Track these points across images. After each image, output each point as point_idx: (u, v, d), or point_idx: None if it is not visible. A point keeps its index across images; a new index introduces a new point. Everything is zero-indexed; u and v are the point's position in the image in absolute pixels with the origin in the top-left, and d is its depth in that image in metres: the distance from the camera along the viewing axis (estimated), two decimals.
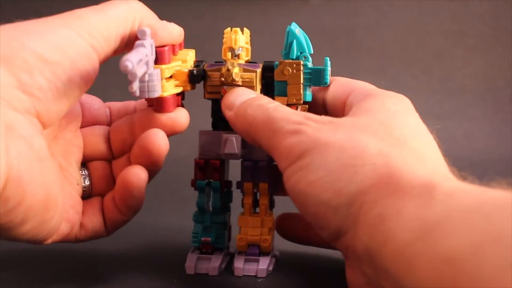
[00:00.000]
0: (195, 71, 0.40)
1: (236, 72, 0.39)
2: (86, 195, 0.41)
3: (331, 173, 0.32)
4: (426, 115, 0.38)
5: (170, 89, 0.39)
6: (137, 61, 0.33)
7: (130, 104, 0.43)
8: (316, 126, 0.35)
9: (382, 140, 0.33)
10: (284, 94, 0.40)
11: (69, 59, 0.33)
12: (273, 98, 0.40)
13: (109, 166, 0.42)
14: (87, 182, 0.41)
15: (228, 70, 0.39)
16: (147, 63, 0.36)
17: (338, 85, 0.40)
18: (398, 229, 0.28)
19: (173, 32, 0.39)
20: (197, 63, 0.41)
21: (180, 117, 0.40)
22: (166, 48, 0.38)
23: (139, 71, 0.34)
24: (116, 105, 0.43)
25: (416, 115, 0.37)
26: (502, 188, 0.28)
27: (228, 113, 0.39)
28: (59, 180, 0.35)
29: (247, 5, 0.79)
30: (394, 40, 0.82)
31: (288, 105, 0.40)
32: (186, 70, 0.40)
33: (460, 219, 0.26)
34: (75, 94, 0.34)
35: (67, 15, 0.34)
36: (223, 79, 0.40)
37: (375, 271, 0.30)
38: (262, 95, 0.40)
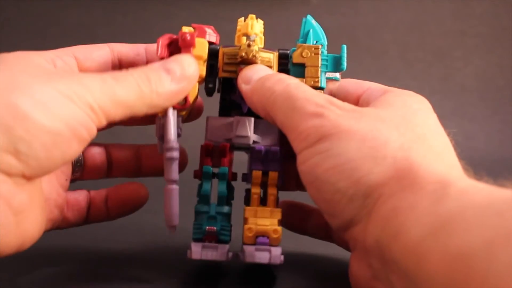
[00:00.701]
0: (210, 91, 0.40)
1: (256, 49, 0.39)
2: (76, 177, 0.41)
3: (351, 161, 0.32)
4: None
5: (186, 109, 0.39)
6: (177, 218, 0.36)
7: (139, 49, 0.42)
8: (339, 112, 0.34)
9: (403, 135, 0.33)
10: (300, 76, 0.40)
11: (71, 129, 0.32)
12: None
13: (105, 152, 0.42)
14: (80, 160, 0.41)
15: (249, 45, 0.38)
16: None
17: (350, 83, 0.41)
18: (411, 223, 0.28)
19: (189, 86, 0.37)
20: (211, 63, 0.40)
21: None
22: (187, 102, 0.38)
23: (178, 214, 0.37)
24: (123, 49, 0.41)
25: (435, 115, 0.37)
26: None
27: (245, 87, 0.38)
28: (42, 206, 0.35)
29: (247, 5, 0.79)
30: (394, 40, 0.82)
31: None
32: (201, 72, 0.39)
33: (472, 216, 0.26)
34: (70, 157, 0.34)
35: (73, 79, 0.33)
36: (244, 54, 0.38)
37: (384, 264, 0.30)
38: (280, 73, 0.38)
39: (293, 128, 0.35)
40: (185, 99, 0.38)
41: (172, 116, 0.37)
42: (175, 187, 0.36)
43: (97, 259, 0.44)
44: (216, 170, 0.40)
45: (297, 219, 0.44)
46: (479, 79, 0.82)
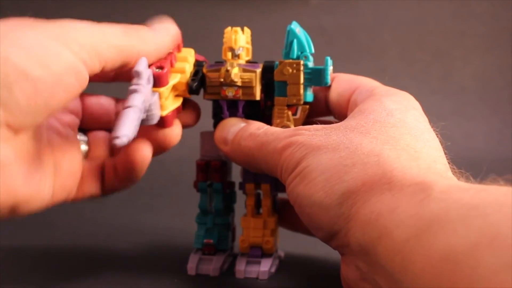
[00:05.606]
0: (193, 86, 0.39)
1: (235, 72, 0.39)
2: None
3: (323, 173, 0.33)
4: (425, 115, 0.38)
5: (170, 106, 0.38)
6: (131, 132, 0.32)
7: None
8: (308, 133, 0.35)
9: (375, 139, 0.34)
10: (284, 94, 0.40)
11: (54, 74, 0.32)
12: (273, 99, 0.40)
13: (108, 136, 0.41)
14: (84, 147, 0.40)
15: (227, 70, 0.39)
16: (143, 109, 0.35)
17: (342, 82, 0.40)
18: (394, 225, 0.28)
19: (173, 34, 0.39)
20: (197, 68, 0.41)
21: (172, 135, 0.40)
22: (164, 70, 0.37)
23: (135, 133, 0.33)
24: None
25: (417, 112, 0.37)
26: (499, 185, 0.28)
27: (225, 148, 0.39)
28: (44, 168, 0.35)
29: (247, 5, 0.79)
30: (394, 40, 0.82)
31: (288, 106, 0.40)
32: (185, 81, 0.39)
33: (457, 217, 0.26)
34: (56, 106, 0.33)
35: (61, 24, 0.33)
36: (222, 80, 0.39)
37: (370, 266, 0.30)
38: (251, 122, 0.40)
39: (275, 168, 0.36)
40: (162, 68, 0.37)
41: (145, 85, 0.35)
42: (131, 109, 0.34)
43: (96, 259, 0.45)
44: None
45: (288, 216, 0.44)
46: (478, 79, 0.82)
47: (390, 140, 0.34)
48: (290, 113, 0.40)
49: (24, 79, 0.31)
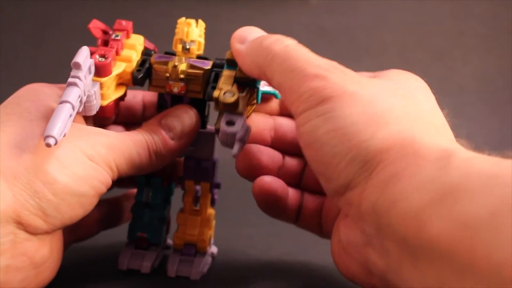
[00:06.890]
0: (138, 77, 0.38)
1: (182, 69, 0.38)
2: None
3: (354, 125, 0.31)
4: None
5: (112, 96, 0.38)
6: (60, 132, 0.32)
7: (136, 93, 0.43)
8: (343, 77, 0.33)
9: (407, 107, 0.33)
10: (233, 69, 0.38)
11: (94, 188, 0.34)
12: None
13: None
14: None
15: (175, 66, 0.38)
16: (80, 101, 0.34)
17: None
18: (412, 190, 0.28)
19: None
20: (144, 57, 0.39)
21: None
22: (108, 60, 0.36)
23: (65, 131, 0.32)
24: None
25: (433, 96, 0.36)
26: None
27: (239, 46, 0.37)
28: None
29: (247, 5, 0.79)
30: (394, 40, 0.82)
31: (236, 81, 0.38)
32: (130, 70, 0.38)
33: (477, 185, 0.26)
34: (89, 211, 0.35)
35: (97, 140, 0.35)
36: (168, 74, 0.38)
37: (379, 230, 0.30)
38: (279, 35, 0.37)
39: (293, 89, 0.34)
40: (106, 57, 0.36)
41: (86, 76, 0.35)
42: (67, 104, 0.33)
43: (93, 257, 0.45)
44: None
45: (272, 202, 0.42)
46: (478, 79, 0.82)
47: (419, 112, 0.33)
48: (236, 85, 0.38)
49: (72, 196, 0.33)
